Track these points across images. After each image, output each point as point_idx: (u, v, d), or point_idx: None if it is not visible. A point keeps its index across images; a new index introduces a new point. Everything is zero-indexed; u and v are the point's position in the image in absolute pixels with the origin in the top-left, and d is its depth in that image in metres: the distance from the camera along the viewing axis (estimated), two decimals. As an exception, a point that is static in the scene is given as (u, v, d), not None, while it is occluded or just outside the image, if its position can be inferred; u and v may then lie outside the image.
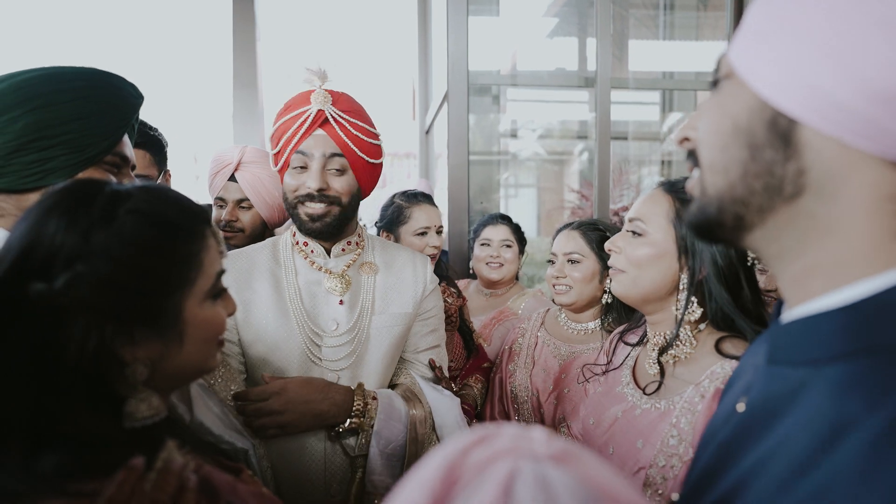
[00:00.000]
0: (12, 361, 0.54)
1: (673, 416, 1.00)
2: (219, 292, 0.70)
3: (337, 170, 1.18)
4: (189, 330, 0.64)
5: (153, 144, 1.50)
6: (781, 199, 0.42)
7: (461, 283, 2.20)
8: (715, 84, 0.48)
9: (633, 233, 1.09)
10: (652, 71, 4.07)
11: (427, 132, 3.96)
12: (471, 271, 2.21)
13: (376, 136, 1.24)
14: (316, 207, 1.17)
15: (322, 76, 1.19)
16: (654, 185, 1.16)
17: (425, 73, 4.01)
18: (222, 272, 0.71)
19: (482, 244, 2.10)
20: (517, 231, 2.12)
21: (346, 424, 1.14)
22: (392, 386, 1.30)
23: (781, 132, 0.40)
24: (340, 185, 1.18)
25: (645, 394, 1.07)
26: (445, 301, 1.63)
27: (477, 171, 3.37)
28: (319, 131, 1.16)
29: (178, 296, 0.63)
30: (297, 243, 1.27)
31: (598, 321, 1.59)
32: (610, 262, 1.14)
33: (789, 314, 0.46)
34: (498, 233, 2.07)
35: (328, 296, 1.24)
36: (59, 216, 0.58)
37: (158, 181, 1.55)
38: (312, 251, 1.26)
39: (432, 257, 1.80)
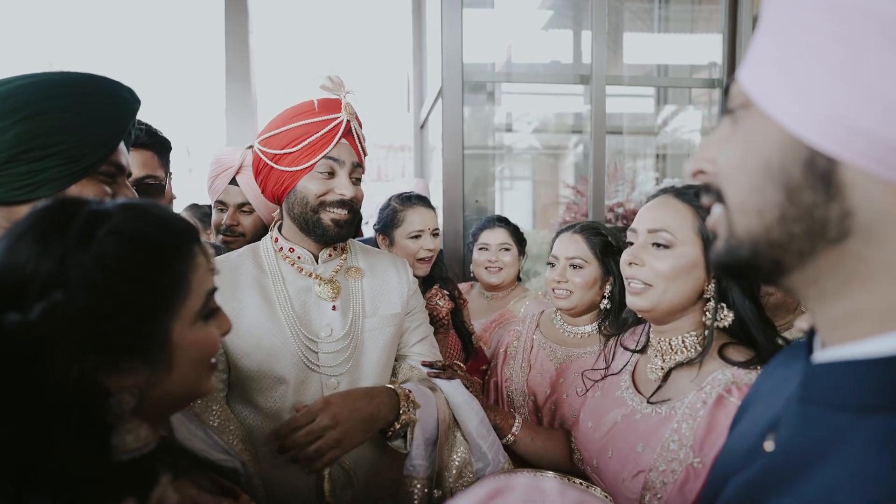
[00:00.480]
0: None
1: (674, 421, 1.00)
2: (211, 312, 0.66)
3: (357, 179, 1.24)
4: (178, 354, 0.61)
5: (161, 146, 1.48)
6: (825, 243, 0.38)
7: (464, 286, 2.19)
8: (727, 112, 0.45)
9: (657, 244, 1.05)
10: (647, 64, 4.06)
11: (422, 126, 3.94)
12: (471, 274, 2.20)
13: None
14: (342, 214, 1.20)
15: (343, 87, 1.22)
16: (658, 191, 1.12)
17: (420, 66, 3.98)
18: (214, 290, 0.67)
19: (480, 248, 2.07)
20: (515, 233, 2.10)
21: (399, 422, 1.13)
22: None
23: (821, 173, 0.37)
24: (358, 193, 1.24)
25: (647, 401, 1.07)
26: (437, 304, 1.63)
27: (472, 165, 3.36)
28: (344, 141, 1.20)
29: (164, 320, 0.59)
30: (282, 249, 1.26)
31: (595, 325, 1.57)
32: (630, 275, 1.09)
33: (826, 353, 0.43)
34: (496, 237, 2.05)
35: (320, 302, 1.23)
36: (31, 241, 0.54)
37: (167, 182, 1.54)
38: (300, 257, 1.25)
39: (428, 259, 1.78)
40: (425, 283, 1.82)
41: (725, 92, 0.46)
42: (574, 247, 1.53)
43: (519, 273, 2.14)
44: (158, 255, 0.59)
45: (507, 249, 2.05)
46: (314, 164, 1.17)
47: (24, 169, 0.90)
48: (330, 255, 1.27)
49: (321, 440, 1.03)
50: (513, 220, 2.17)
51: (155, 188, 1.43)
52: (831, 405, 0.41)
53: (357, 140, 1.22)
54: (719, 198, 0.45)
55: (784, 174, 0.38)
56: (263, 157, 1.20)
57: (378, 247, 1.81)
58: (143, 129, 1.40)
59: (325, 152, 1.17)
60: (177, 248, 0.62)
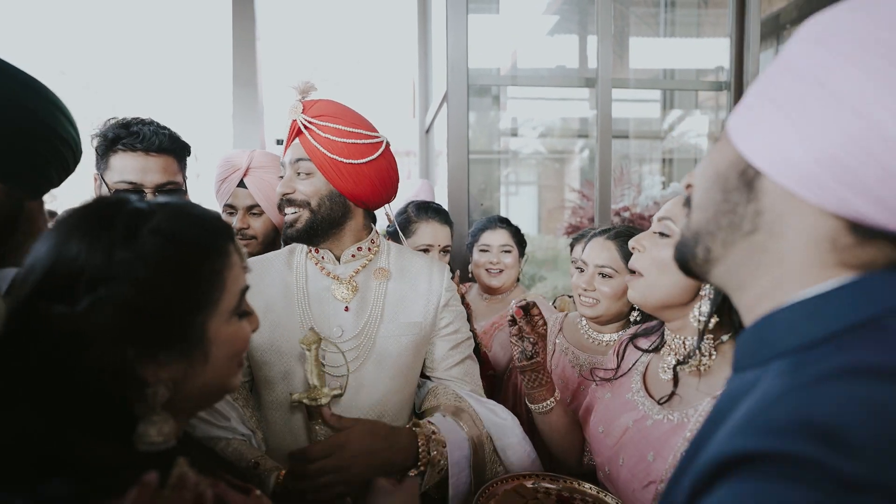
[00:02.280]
0: (30, 384, 0.54)
1: (687, 429, 0.96)
2: (244, 309, 0.69)
3: (304, 174, 1.19)
4: (214, 349, 0.63)
5: (181, 150, 1.48)
6: (741, 234, 0.51)
7: (462, 288, 2.17)
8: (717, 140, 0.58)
9: (661, 234, 1.05)
10: (653, 68, 4.05)
11: (427, 131, 3.95)
12: (470, 275, 2.18)
13: (357, 136, 1.19)
14: (287, 213, 1.20)
15: (304, 89, 1.20)
16: (681, 188, 1.14)
17: (425, 71, 3.99)
18: (246, 288, 0.69)
19: (481, 250, 2.04)
20: (517, 234, 2.07)
21: (418, 468, 1.10)
22: (433, 408, 1.26)
23: (748, 180, 0.50)
24: (305, 187, 1.19)
25: (658, 404, 1.04)
26: None
27: (478, 170, 3.37)
28: (296, 141, 1.20)
29: (202, 316, 0.62)
30: (311, 250, 1.28)
31: (621, 334, 1.47)
32: (631, 263, 1.08)
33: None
34: (497, 238, 2.02)
35: (335, 302, 1.23)
36: (80, 237, 0.57)
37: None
38: (323, 257, 1.26)
39: None
40: None
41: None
42: (606, 255, 1.44)
43: (518, 276, 2.11)
44: (197, 254, 0.62)
45: (508, 251, 2.02)
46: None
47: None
48: (353, 256, 1.26)
49: (331, 476, 1.02)
50: (518, 224, 2.15)
51: (175, 194, 1.44)
52: (749, 365, 0.51)
53: (308, 134, 1.18)
54: (689, 204, 0.58)
55: (725, 179, 0.52)
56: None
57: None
58: (166, 135, 1.40)
59: (283, 158, 1.22)
60: (213, 247, 0.64)
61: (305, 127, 1.18)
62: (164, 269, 0.58)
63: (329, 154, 1.16)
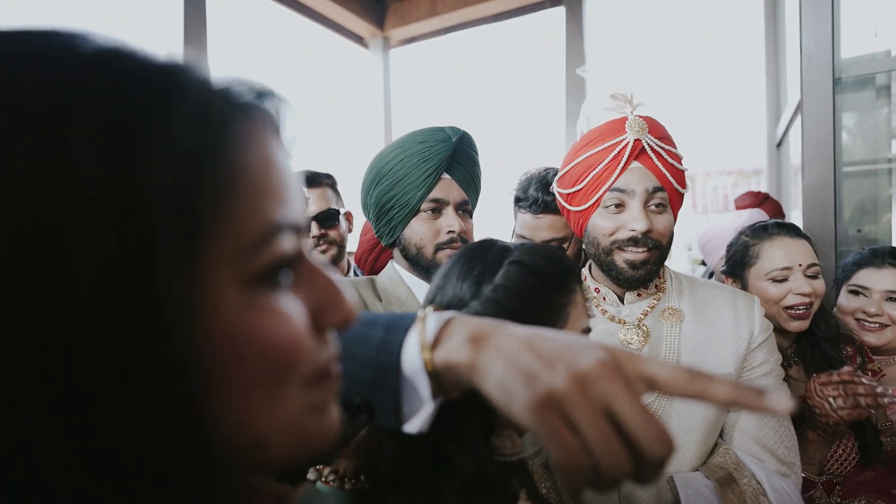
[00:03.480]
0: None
1: None
2: None
3: (658, 205, 1.05)
4: None
5: None
6: None
7: None
8: None
9: None
10: None
11: (779, 145, 3.31)
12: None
13: (681, 160, 1.11)
14: (638, 253, 1.04)
15: (632, 101, 1.08)
16: None
17: (774, 74, 3.38)
18: (588, 330, 0.73)
19: (852, 291, 1.50)
20: None
21: None
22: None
23: None
24: (662, 224, 1.05)
25: None
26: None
27: (854, 186, 2.58)
28: (636, 164, 1.05)
29: None
30: (589, 289, 1.16)
31: None
32: None
33: None
34: (881, 280, 1.44)
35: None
36: (460, 266, 0.71)
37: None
38: (605, 298, 1.14)
39: (803, 311, 1.32)
40: (801, 347, 1.37)
41: None
42: None
43: None
44: (547, 285, 0.69)
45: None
46: (599, 198, 1.06)
47: (384, 220, 1.18)
48: (639, 295, 1.11)
49: None
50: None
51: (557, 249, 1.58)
52: None
53: (655, 158, 1.03)
54: None
55: None
56: (559, 199, 1.17)
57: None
58: (550, 198, 1.48)
59: (608, 184, 1.05)
60: (562, 283, 0.71)
61: (653, 150, 1.04)
62: (518, 295, 0.66)
63: (675, 184, 1.06)
